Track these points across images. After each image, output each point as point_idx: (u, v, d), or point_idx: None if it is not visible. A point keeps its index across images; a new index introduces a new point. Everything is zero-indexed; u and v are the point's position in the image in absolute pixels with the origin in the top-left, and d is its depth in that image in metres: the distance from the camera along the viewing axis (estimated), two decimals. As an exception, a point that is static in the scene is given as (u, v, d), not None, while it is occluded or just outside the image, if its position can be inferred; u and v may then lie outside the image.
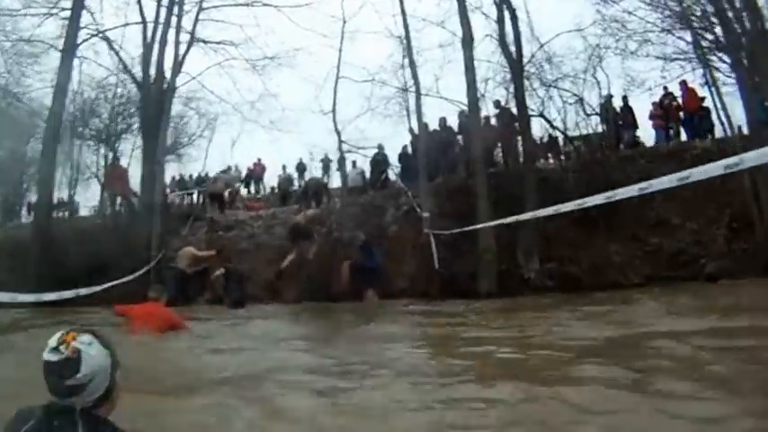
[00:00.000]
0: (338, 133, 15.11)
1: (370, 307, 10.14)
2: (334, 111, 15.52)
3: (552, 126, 13.25)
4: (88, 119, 19.88)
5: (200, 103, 19.51)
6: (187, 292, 11.63)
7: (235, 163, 21.32)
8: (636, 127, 15.29)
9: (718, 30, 12.46)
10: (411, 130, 16.36)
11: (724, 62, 13.01)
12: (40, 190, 14.45)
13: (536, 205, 9.99)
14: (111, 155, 18.79)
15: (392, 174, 16.96)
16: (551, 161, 15.13)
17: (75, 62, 15.34)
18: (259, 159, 21.82)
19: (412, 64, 14.36)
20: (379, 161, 17.26)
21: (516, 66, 11.96)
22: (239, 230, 13.54)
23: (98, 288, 9.64)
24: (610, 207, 11.23)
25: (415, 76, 14.23)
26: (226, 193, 17.82)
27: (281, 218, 13.74)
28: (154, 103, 14.41)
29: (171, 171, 22.84)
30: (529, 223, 11.07)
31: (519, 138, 13.84)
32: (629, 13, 13.83)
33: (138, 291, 11.46)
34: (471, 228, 10.46)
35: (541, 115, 13.42)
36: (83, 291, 9.43)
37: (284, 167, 20.51)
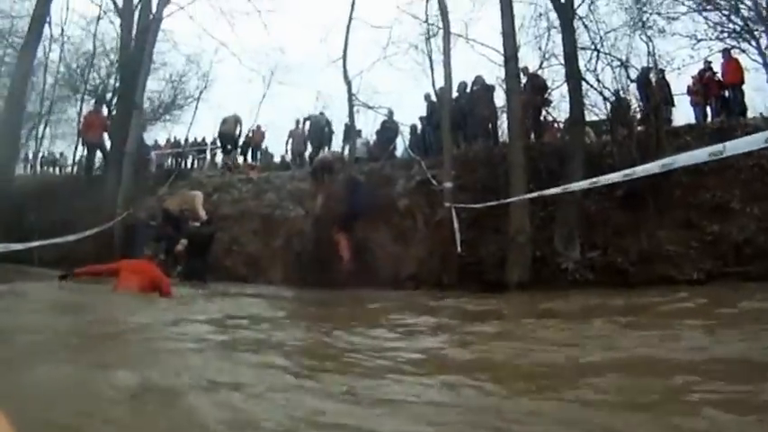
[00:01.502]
0: (348, 84, 12.48)
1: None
2: (344, 55, 13.07)
3: (602, 94, 11.04)
4: (86, 73, 18.41)
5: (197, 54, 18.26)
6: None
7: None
8: (673, 104, 13.50)
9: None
10: (427, 97, 14.41)
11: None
12: (3, 137, 12.25)
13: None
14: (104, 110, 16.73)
15: (400, 145, 15.05)
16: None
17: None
18: (258, 126, 19.23)
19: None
20: (388, 129, 15.26)
21: (566, 11, 9.83)
22: (224, 193, 11.35)
23: (36, 244, 7.80)
24: (659, 187, 9.59)
25: (443, 10, 11.48)
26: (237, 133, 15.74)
27: (275, 183, 11.48)
28: (137, 35, 12.30)
29: (165, 134, 21.96)
30: (569, 202, 9.21)
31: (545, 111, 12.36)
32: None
33: (99, 253, 9.82)
34: (506, 201, 8.54)
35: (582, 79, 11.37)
36: (15, 246, 7.70)
37: (297, 122, 16.89)
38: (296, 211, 9.75)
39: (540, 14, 11.92)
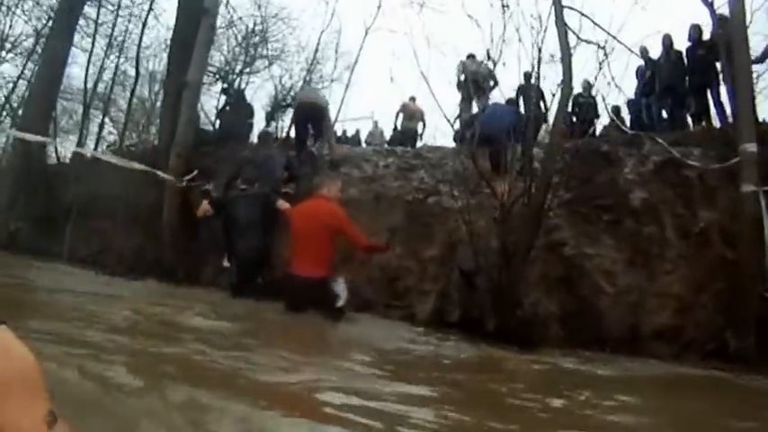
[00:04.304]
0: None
1: None
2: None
3: None
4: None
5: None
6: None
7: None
8: None
9: None
10: (644, 52, 9.93)
11: None
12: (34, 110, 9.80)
13: None
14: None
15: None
16: None
17: None
18: (413, 98, 13.00)
19: None
20: (583, 105, 10.90)
21: None
22: (351, 167, 7.41)
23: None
24: None
25: None
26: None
27: (431, 158, 7.46)
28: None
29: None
30: None
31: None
32: None
33: (143, 246, 7.32)
34: None
35: None
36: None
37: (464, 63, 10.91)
38: (463, 201, 5.79)
39: None
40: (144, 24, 15.17)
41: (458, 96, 10.80)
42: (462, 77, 10.39)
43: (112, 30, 15.61)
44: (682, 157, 6.26)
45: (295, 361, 3.08)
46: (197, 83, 7.92)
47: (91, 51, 14.93)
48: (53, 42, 9.93)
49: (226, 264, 6.44)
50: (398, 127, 12.87)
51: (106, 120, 17.08)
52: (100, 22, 15.06)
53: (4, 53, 16.38)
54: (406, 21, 18.22)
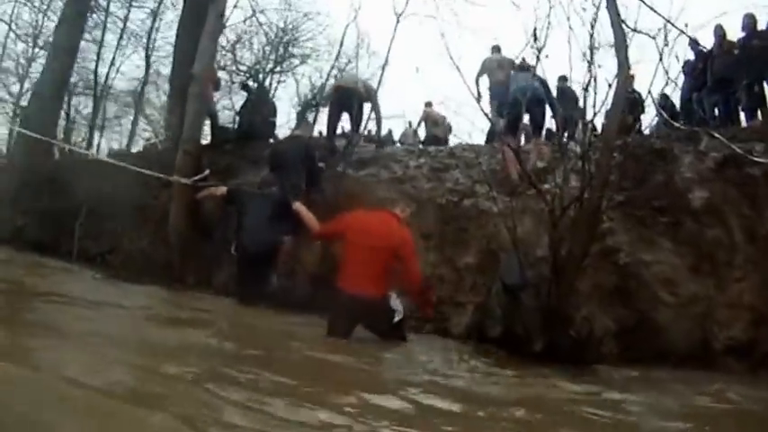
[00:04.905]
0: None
1: None
2: None
3: None
4: (237, 50, 15.53)
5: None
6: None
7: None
8: None
9: None
10: (694, 45, 9.16)
11: None
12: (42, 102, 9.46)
13: None
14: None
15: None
16: None
17: None
18: (429, 103, 13.10)
19: None
20: (629, 100, 10.16)
21: None
22: (380, 167, 6.85)
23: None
24: None
25: None
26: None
27: (465, 157, 6.82)
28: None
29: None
30: None
31: None
32: None
33: (154, 249, 6.97)
34: None
35: None
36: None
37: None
38: (503, 203, 5.23)
39: None
40: (155, 16, 14.98)
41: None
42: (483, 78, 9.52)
43: (125, 23, 15.46)
44: (745, 154, 5.63)
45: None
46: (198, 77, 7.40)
47: (101, 43, 14.74)
48: (62, 32, 9.53)
49: (233, 252, 6.03)
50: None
51: (140, 117, 17.08)
52: (122, 16, 14.91)
53: (36, 49, 16.41)
54: (437, 10, 17.85)
